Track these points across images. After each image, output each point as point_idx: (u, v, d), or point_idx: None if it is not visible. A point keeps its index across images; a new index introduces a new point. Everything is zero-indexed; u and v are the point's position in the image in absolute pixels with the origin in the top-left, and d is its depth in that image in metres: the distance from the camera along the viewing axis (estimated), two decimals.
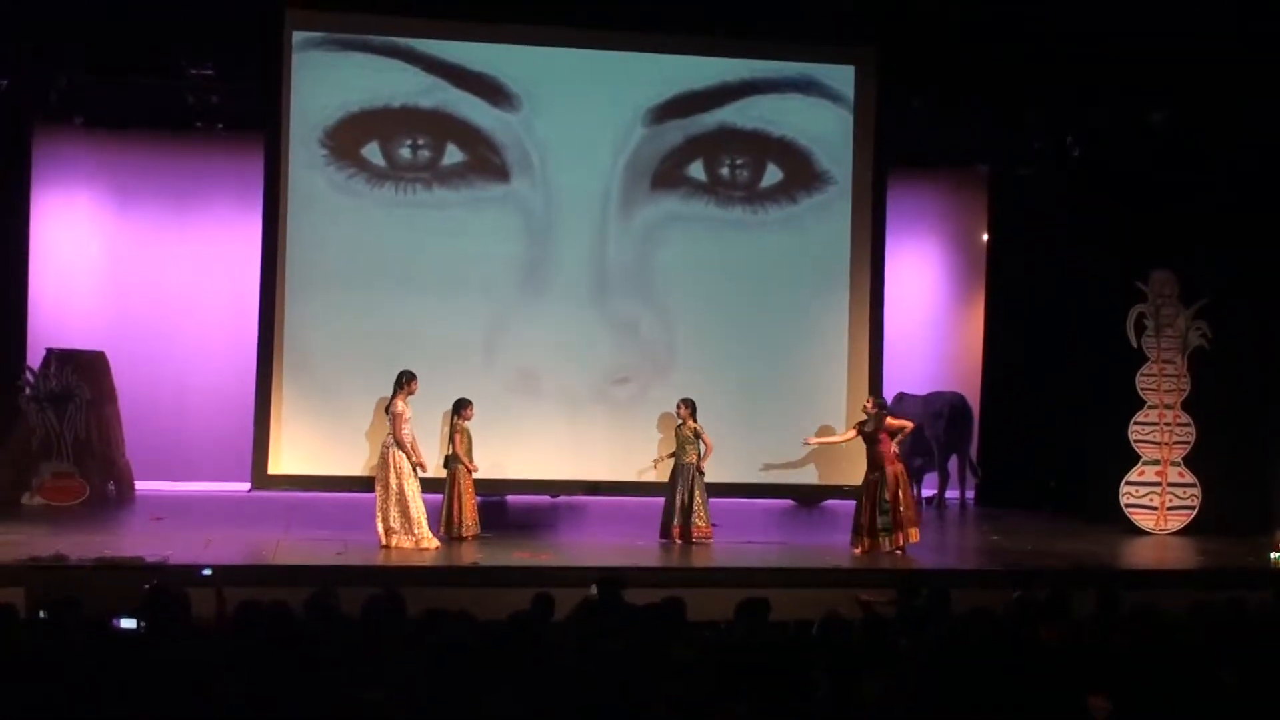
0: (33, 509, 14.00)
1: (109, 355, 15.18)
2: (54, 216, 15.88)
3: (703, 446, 12.85)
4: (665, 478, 12.99)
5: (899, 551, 12.24)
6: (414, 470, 12.06)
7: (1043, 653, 6.54)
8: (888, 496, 12.35)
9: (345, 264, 14.18)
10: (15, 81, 13.90)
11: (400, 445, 12.03)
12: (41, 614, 7.41)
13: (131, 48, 13.68)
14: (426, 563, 11.56)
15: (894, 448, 12.60)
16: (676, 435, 12.94)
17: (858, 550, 12.32)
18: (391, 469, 12.02)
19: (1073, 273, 15.69)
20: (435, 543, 12.00)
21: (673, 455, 12.92)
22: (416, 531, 11.96)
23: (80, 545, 10.85)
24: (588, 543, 13.04)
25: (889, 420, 12.68)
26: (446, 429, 12.93)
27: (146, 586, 7.59)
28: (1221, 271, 14.28)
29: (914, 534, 12.42)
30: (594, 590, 7.85)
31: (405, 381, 12.23)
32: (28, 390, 14.60)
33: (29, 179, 15.37)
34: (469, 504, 12.61)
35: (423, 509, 12.05)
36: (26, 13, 13.17)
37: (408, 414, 12.11)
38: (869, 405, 12.85)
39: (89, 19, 13.38)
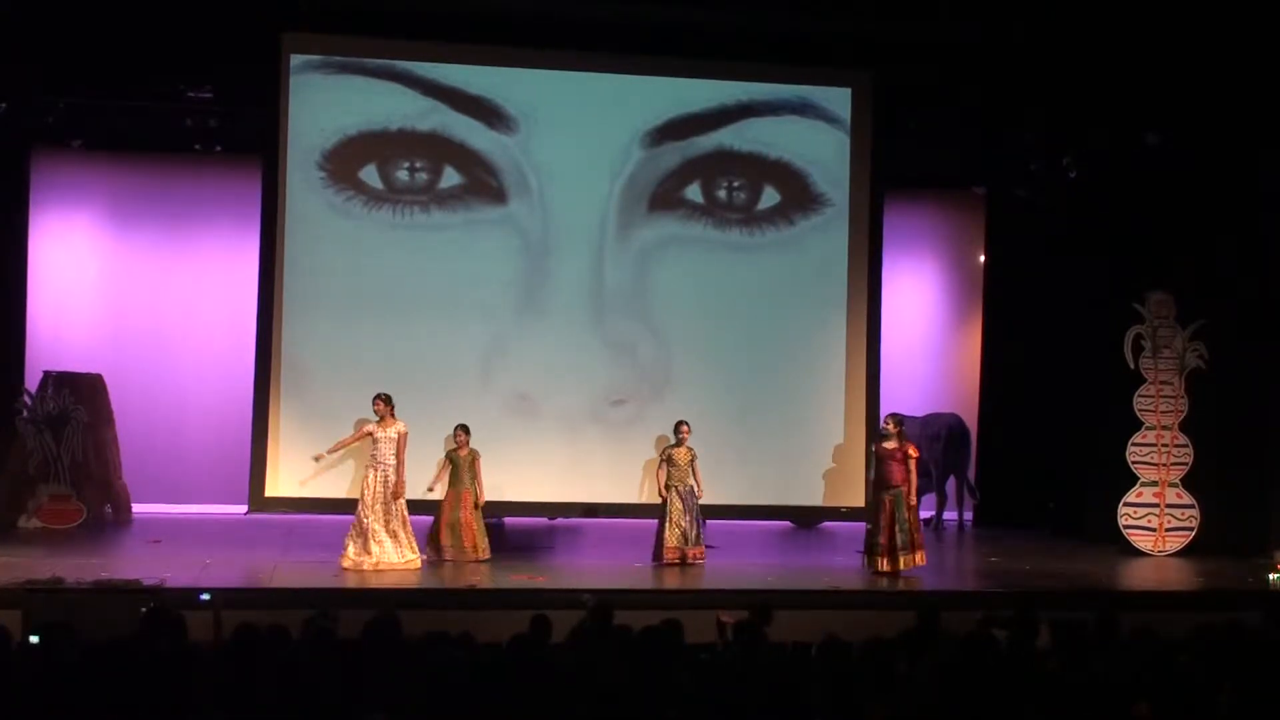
0: (30, 532, 13.99)
1: (106, 377, 15.19)
2: (52, 239, 15.90)
3: (696, 471, 12.88)
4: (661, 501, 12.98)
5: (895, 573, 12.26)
6: (362, 487, 12.23)
7: (1043, 677, 6.53)
8: (907, 515, 12.34)
9: (343, 286, 14.18)
10: (14, 104, 13.92)
11: None
12: (33, 638, 7.41)
13: (130, 71, 13.70)
14: (416, 584, 11.59)
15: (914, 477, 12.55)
16: (674, 457, 12.89)
17: (886, 569, 12.27)
18: None
19: (1070, 294, 15.70)
20: (366, 565, 11.96)
21: (672, 480, 12.88)
22: (350, 550, 12.08)
23: (77, 568, 10.82)
24: (585, 565, 13.02)
25: (910, 446, 12.64)
26: (444, 453, 12.97)
27: (144, 609, 7.59)
28: (1218, 293, 14.30)
29: (923, 557, 12.43)
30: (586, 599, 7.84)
31: (373, 403, 12.47)
32: (25, 413, 14.59)
33: (27, 201, 15.39)
34: (443, 527, 12.63)
35: (365, 529, 12.06)
36: (25, 36, 13.20)
37: (376, 434, 12.32)
38: (890, 425, 12.78)
39: (87, 42, 13.40)
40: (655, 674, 6.19)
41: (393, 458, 12.26)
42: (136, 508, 15.16)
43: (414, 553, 12.17)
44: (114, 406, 15.18)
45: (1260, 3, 13.31)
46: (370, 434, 12.29)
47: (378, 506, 12.10)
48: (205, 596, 9.56)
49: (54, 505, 14.30)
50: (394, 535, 12.11)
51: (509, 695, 5.82)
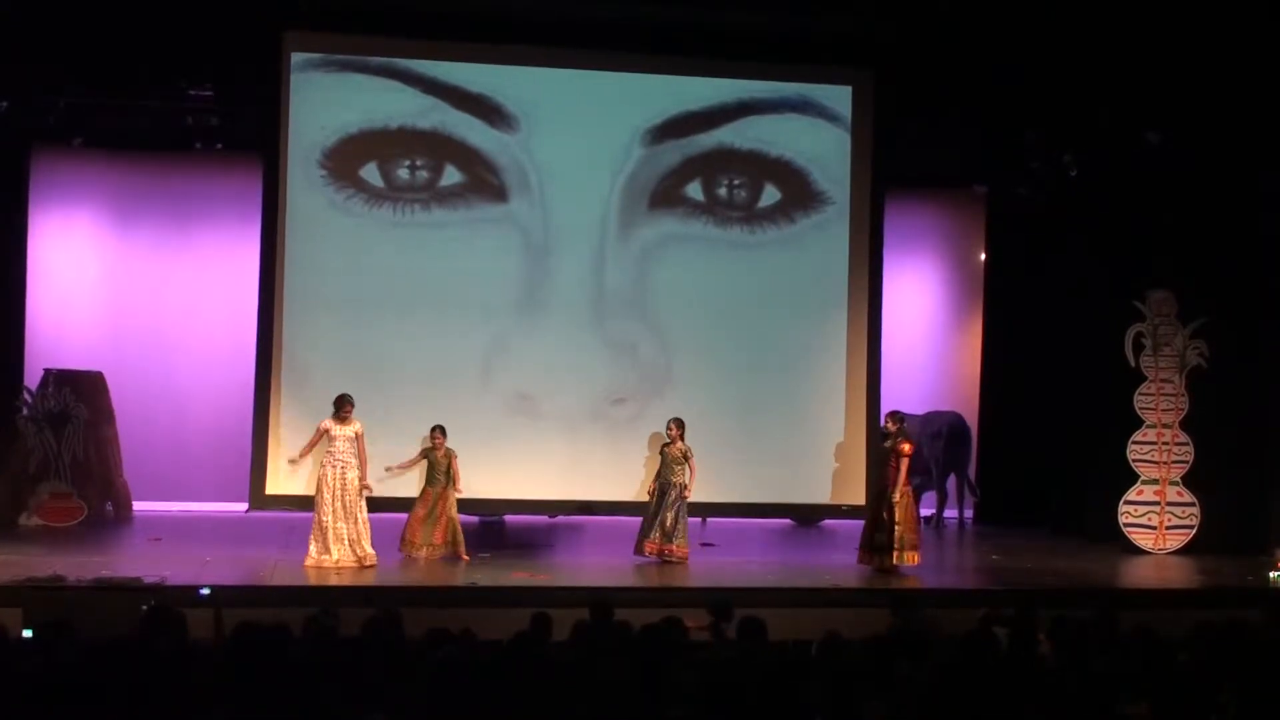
0: (30, 530, 13.99)
1: (107, 375, 15.18)
2: (52, 237, 15.89)
3: (688, 470, 12.76)
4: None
5: (888, 570, 12.23)
6: (320, 485, 12.07)
7: (1043, 676, 6.53)
8: (885, 516, 12.31)
9: (343, 284, 14.20)
10: (14, 103, 13.91)
11: None
12: (27, 633, 7.41)
13: (130, 69, 13.69)
14: (417, 582, 11.59)
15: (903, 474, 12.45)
16: (664, 454, 12.83)
17: (879, 565, 12.25)
18: None
19: (1070, 292, 15.68)
20: (326, 562, 11.84)
21: (658, 476, 12.83)
22: (312, 550, 11.98)
23: (78, 566, 10.83)
24: (586, 563, 13.02)
25: (903, 444, 12.53)
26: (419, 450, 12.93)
27: (144, 607, 7.59)
28: (1219, 291, 14.29)
29: (913, 557, 12.38)
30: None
31: (337, 405, 12.30)
32: (25, 410, 14.59)
33: (28, 200, 15.38)
34: (415, 523, 12.60)
35: (324, 527, 11.94)
36: (26, 34, 13.19)
37: (334, 431, 12.16)
38: (890, 424, 12.69)
39: (88, 40, 13.40)
40: (655, 671, 6.19)
41: (352, 456, 12.14)
42: (137, 505, 15.15)
43: (369, 550, 12.04)
44: (114, 404, 15.16)
45: (1261, 2, 13.29)
46: (326, 430, 12.16)
47: (336, 505, 11.99)
48: (205, 592, 9.56)
49: (54, 503, 14.29)
50: (353, 537, 11.99)
51: (510, 693, 5.81)
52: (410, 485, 12.96)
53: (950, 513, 16.63)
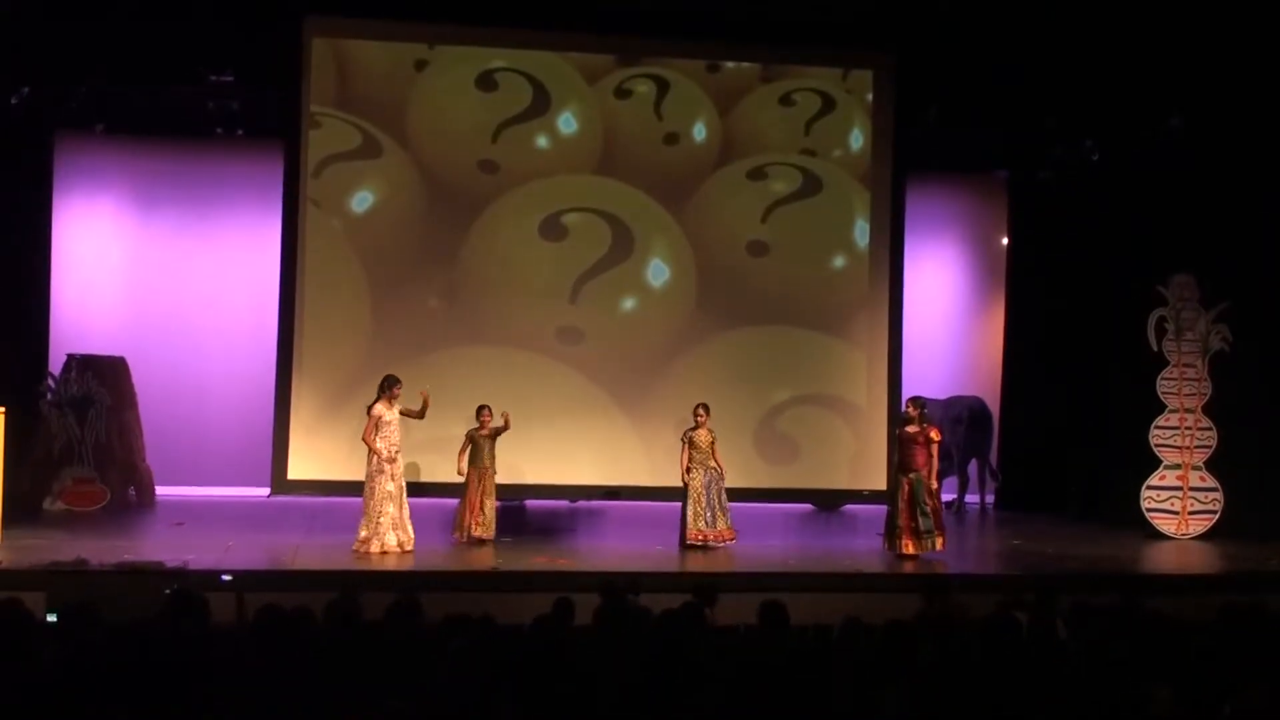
0: (54, 514, 14.05)
1: (129, 360, 15.22)
2: (75, 223, 15.93)
3: (715, 454, 12.69)
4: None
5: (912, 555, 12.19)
6: (376, 473, 11.88)
7: (1064, 659, 6.52)
8: (927, 499, 12.22)
9: (365, 268, 14.23)
10: (37, 89, 13.94)
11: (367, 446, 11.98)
12: (50, 617, 7.45)
13: (152, 55, 13.71)
14: (438, 567, 11.56)
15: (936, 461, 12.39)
16: (695, 440, 12.74)
17: (905, 551, 12.20)
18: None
19: (1093, 277, 15.64)
20: (371, 549, 11.74)
21: (693, 464, 12.75)
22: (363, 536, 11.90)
23: (101, 550, 10.87)
24: (607, 548, 13.02)
25: (933, 430, 12.45)
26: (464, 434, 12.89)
27: (167, 591, 7.62)
28: (1242, 274, 14.22)
29: (940, 541, 12.33)
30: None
31: (386, 386, 12.08)
32: (49, 396, 14.65)
33: (51, 186, 15.41)
34: (469, 507, 12.52)
35: (379, 513, 11.84)
36: (48, 21, 13.22)
37: (387, 416, 11.94)
38: (911, 409, 12.58)
39: (110, 27, 13.42)
40: (676, 656, 6.19)
41: (400, 440, 12.11)
42: (159, 490, 15.21)
43: (411, 533, 12.00)
44: (137, 389, 15.22)
45: None
46: (380, 416, 11.97)
47: (394, 488, 11.97)
48: (226, 578, 9.61)
49: (78, 488, 14.36)
50: (397, 519, 11.96)
51: (530, 678, 5.82)
52: (444, 471, 12.88)
53: (971, 497, 16.60)
